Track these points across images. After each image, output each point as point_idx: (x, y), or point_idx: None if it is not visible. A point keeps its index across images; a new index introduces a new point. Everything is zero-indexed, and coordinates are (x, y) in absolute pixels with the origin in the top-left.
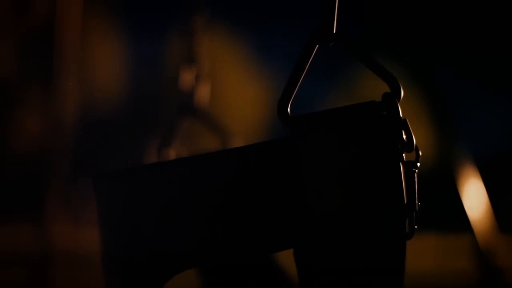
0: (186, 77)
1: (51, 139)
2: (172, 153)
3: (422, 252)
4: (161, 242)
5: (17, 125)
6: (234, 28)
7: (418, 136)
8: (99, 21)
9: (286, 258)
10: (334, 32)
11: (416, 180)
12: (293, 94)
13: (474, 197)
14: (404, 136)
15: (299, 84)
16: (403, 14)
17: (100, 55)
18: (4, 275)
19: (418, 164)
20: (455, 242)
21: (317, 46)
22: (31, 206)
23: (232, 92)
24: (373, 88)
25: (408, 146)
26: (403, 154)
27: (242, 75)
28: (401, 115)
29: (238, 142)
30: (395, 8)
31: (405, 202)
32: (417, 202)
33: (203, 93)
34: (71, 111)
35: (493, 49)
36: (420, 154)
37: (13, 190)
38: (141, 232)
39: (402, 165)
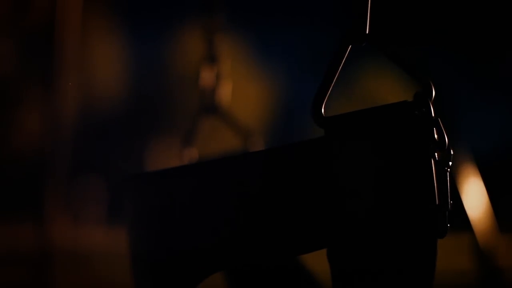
0: (207, 76)
1: (51, 138)
2: (194, 153)
3: None
4: (191, 244)
5: (17, 124)
6: (240, 29)
7: (446, 135)
8: (100, 20)
9: (314, 261)
10: (367, 32)
11: (448, 179)
12: (327, 95)
13: (474, 196)
14: (436, 136)
15: (332, 84)
16: (403, 12)
17: (100, 55)
18: (4, 274)
19: (451, 163)
20: (455, 242)
21: (350, 46)
22: (31, 205)
23: (249, 91)
24: (373, 88)
25: (441, 145)
26: (436, 153)
27: (249, 75)
28: (433, 114)
29: (258, 141)
30: (395, 7)
31: (438, 201)
32: (449, 200)
33: (224, 92)
34: (71, 111)
35: (493, 49)
36: (452, 152)
37: (13, 189)
38: (171, 234)
39: (434, 164)
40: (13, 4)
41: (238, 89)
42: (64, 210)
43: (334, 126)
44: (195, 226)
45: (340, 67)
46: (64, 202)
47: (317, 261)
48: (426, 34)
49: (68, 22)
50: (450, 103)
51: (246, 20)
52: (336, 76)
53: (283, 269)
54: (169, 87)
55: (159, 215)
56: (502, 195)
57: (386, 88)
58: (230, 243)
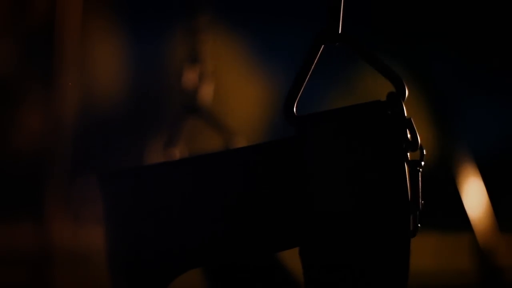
0: (190, 76)
1: (51, 138)
2: (176, 152)
3: (422, 251)
4: (166, 242)
5: (18, 124)
6: (235, 28)
7: (418, 135)
8: (100, 20)
9: (291, 258)
10: (340, 32)
11: (420, 179)
12: (299, 94)
13: (474, 196)
14: (409, 135)
15: (304, 84)
16: (403, 12)
17: (100, 55)
18: (4, 273)
19: (423, 163)
20: (455, 242)
21: (323, 46)
22: (31, 204)
23: (234, 91)
24: (370, 88)
25: (413, 145)
26: (408, 153)
27: (244, 74)
28: (405, 114)
29: (241, 141)
30: (394, 6)
31: (409, 200)
32: (421, 200)
33: (207, 93)
34: (71, 110)
35: (493, 49)
36: (425, 153)
37: (13, 189)
38: (146, 232)
39: (406, 164)
40: (13, 4)
41: (228, 88)
42: (64, 209)
43: (306, 125)
44: (169, 225)
45: (313, 67)
46: (64, 202)
47: (296, 259)
48: (428, 33)
49: (68, 22)
50: (449, 103)
51: (236, 18)
52: (309, 75)
53: (260, 267)
54: (165, 87)
55: (136, 213)
56: (503, 194)
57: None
58: (203, 241)
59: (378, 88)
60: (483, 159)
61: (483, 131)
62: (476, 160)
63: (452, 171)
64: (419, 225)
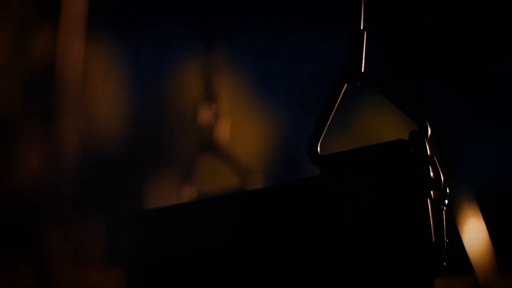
0: (205, 114)
1: (52, 176)
2: (192, 190)
3: None
4: (185, 282)
5: (18, 161)
6: (240, 64)
7: (442, 173)
8: (103, 56)
9: None
10: (362, 71)
11: (444, 217)
12: (323, 134)
13: (475, 236)
14: (432, 174)
15: (328, 123)
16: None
17: (103, 91)
18: None
19: (446, 201)
20: (455, 282)
21: (346, 85)
22: (31, 243)
23: (246, 129)
24: (372, 125)
25: (436, 183)
26: (431, 192)
27: (254, 112)
28: (428, 152)
29: (256, 179)
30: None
31: (433, 239)
32: (445, 239)
33: (222, 131)
34: (72, 148)
35: (494, 84)
36: (448, 191)
37: (12, 227)
38: (166, 272)
39: (430, 202)
40: (14, 40)
41: (237, 126)
42: (64, 248)
43: (330, 165)
44: (193, 266)
45: (336, 106)
46: (64, 241)
47: None
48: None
49: (70, 59)
50: (449, 139)
51: (245, 56)
52: (332, 115)
53: None
54: (170, 125)
55: (156, 254)
56: (504, 234)
57: (388, 126)
58: (220, 283)
59: (381, 125)
60: (484, 197)
61: (484, 167)
62: (477, 198)
63: (452, 209)
64: (444, 263)
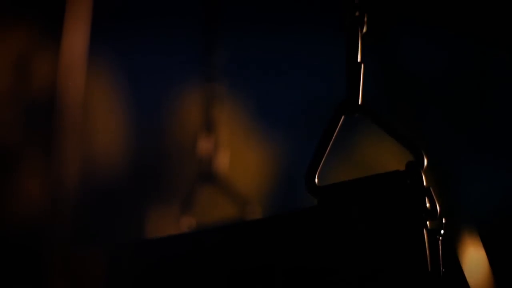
0: (205, 144)
1: (52, 205)
2: (191, 221)
3: None
4: None
5: (17, 190)
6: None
7: (438, 204)
8: (104, 85)
9: None
10: (360, 103)
11: (440, 247)
12: (320, 165)
13: (475, 265)
14: (428, 204)
15: (325, 155)
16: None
17: (103, 121)
18: None
19: (442, 232)
20: None
21: (343, 117)
22: (29, 276)
23: (246, 159)
24: (373, 155)
25: (432, 214)
26: (427, 222)
27: (253, 141)
28: (424, 183)
29: (255, 210)
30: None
31: (429, 269)
32: (441, 268)
33: (222, 161)
34: (72, 177)
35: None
36: (444, 221)
37: (11, 255)
38: None
39: (426, 233)
40: (15, 70)
41: (236, 156)
42: (64, 279)
43: (327, 196)
44: None
45: (333, 138)
46: (64, 271)
47: None
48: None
49: (71, 89)
50: (449, 168)
51: (245, 85)
52: (330, 146)
53: None
54: (169, 154)
55: (154, 284)
56: (505, 263)
57: (387, 156)
58: None
59: (380, 155)
60: (485, 227)
61: (484, 196)
62: (478, 227)
63: (452, 237)
64: None
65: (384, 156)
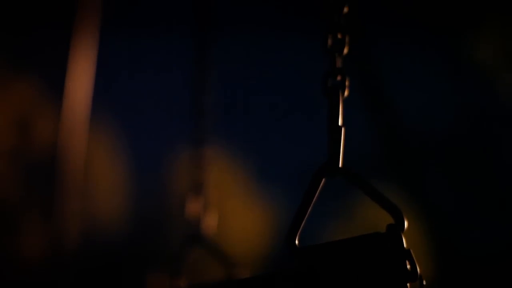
0: (193, 206)
1: (52, 262)
2: (180, 283)
3: None
4: None
5: (19, 247)
6: (233, 154)
7: (418, 266)
8: (104, 147)
9: None
10: (340, 166)
11: None
12: (301, 227)
13: None
14: (408, 266)
15: (306, 216)
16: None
17: (103, 181)
18: None
19: None
20: None
21: (323, 180)
22: None
23: (235, 220)
24: (371, 216)
25: (412, 276)
26: (408, 284)
27: (243, 202)
28: (405, 246)
29: (243, 272)
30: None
31: None
32: None
33: (211, 223)
34: (72, 237)
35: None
36: (425, 283)
37: None
38: None
39: None
40: (17, 128)
41: (226, 217)
42: None
43: (307, 257)
44: None
45: (314, 199)
46: None
47: None
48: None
49: (72, 148)
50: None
51: (235, 146)
52: (310, 208)
53: None
54: (159, 216)
55: None
56: None
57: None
58: None
59: (377, 215)
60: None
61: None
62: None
63: None
64: None
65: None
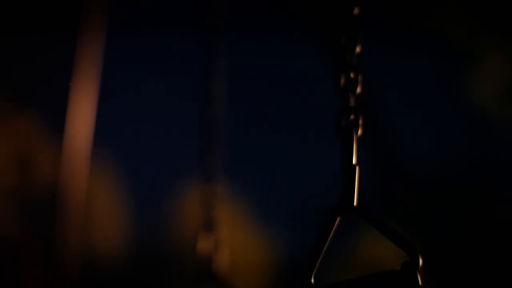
0: (205, 243)
1: None
2: None
3: None
4: None
5: (19, 283)
6: (243, 191)
7: None
8: (106, 183)
9: None
10: (355, 205)
11: None
12: (317, 265)
13: None
14: None
15: (322, 255)
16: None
17: (105, 218)
18: None
19: None
20: None
21: (339, 218)
22: None
23: (245, 257)
24: (375, 256)
25: None
26: None
27: (252, 239)
28: (420, 283)
29: None
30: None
31: None
32: None
33: (222, 260)
34: (73, 275)
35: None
36: None
37: None
38: None
39: None
40: (18, 165)
41: (237, 255)
42: None
43: None
44: None
45: (329, 238)
46: None
47: None
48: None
49: (73, 184)
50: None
51: (245, 184)
52: (326, 246)
53: None
54: (169, 253)
55: None
56: None
57: (388, 255)
58: None
59: (382, 255)
60: None
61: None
62: None
63: None
64: None
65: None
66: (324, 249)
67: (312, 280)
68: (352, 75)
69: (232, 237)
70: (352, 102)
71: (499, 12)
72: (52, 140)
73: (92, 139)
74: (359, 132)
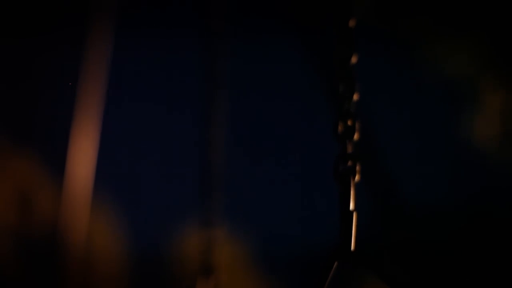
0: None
1: None
2: None
3: None
4: None
5: None
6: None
7: None
8: (107, 224)
9: None
10: (353, 249)
11: None
12: None
13: None
14: None
15: None
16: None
17: (106, 260)
18: None
19: None
20: None
21: (336, 263)
22: None
23: None
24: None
25: None
26: None
27: (251, 283)
28: None
29: None
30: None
31: None
32: None
33: None
34: None
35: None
36: None
37: None
38: None
39: None
40: (18, 205)
41: None
42: None
43: None
44: None
45: (327, 283)
46: None
47: None
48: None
49: (73, 224)
50: None
51: (244, 228)
52: None
53: None
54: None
55: None
56: None
57: None
58: None
59: None
60: None
61: None
62: None
63: None
64: None
65: None
66: None
67: None
68: (349, 123)
69: (230, 282)
70: (349, 148)
71: (499, 50)
72: (53, 179)
73: (93, 179)
74: (357, 178)
